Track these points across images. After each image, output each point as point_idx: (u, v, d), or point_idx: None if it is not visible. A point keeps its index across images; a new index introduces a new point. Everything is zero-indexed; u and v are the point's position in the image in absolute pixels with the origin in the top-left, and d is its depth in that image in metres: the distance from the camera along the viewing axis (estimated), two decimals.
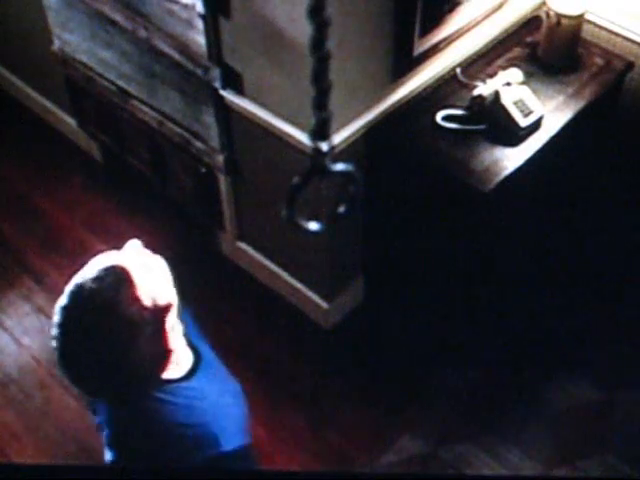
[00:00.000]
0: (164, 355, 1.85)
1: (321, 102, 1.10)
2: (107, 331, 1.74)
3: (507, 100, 3.00)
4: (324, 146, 1.13)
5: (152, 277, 1.80)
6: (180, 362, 1.93)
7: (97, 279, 1.74)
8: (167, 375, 1.90)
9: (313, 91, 1.09)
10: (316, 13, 1.03)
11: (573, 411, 3.41)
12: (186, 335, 1.97)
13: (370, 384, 3.49)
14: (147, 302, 1.76)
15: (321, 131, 1.12)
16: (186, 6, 3.04)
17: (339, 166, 1.16)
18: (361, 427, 3.37)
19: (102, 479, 1.76)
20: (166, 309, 1.80)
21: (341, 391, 3.45)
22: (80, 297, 1.74)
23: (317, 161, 1.14)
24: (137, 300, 1.74)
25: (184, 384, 1.93)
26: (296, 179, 1.16)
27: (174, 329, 1.85)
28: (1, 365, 3.63)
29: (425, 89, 3.22)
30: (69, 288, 1.76)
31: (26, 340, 3.69)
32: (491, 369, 3.49)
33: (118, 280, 1.74)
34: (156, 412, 1.87)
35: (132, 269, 1.77)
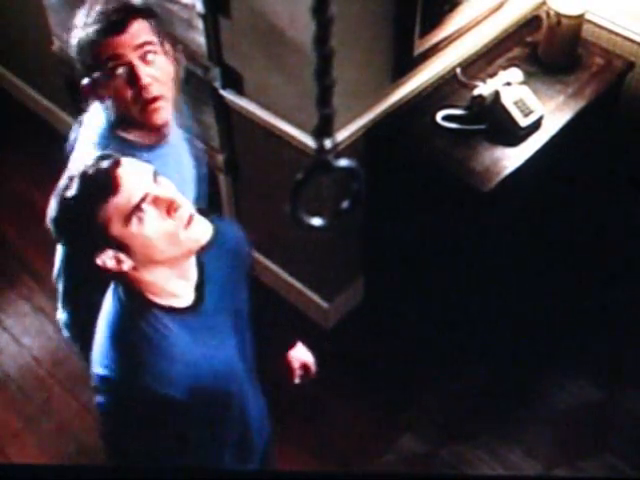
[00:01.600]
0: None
1: (324, 99, 1.10)
2: None
3: (507, 100, 3.01)
4: (327, 143, 1.13)
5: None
6: (174, 292, 1.84)
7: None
8: (157, 299, 1.82)
9: (316, 88, 1.09)
10: (320, 10, 1.02)
11: (573, 411, 3.41)
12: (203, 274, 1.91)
13: (370, 384, 3.49)
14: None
15: (324, 128, 1.12)
16: (186, 6, 3.04)
17: (342, 162, 1.17)
18: (361, 427, 3.37)
19: (102, 479, 1.76)
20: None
21: (341, 391, 3.45)
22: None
23: (320, 157, 1.14)
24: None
25: (163, 316, 1.83)
26: (299, 175, 1.16)
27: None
28: (1, 365, 3.63)
29: (425, 89, 3.22)
30: None
31: (26, 340, 3.68)
32: (491, 369, 3.49)
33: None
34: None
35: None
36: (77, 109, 4.10)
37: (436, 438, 3.32)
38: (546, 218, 3.46)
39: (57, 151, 4.45)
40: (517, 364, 3.50)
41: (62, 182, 1.79)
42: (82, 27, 2.06)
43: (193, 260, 1.87)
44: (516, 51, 3.38)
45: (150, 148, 2.19)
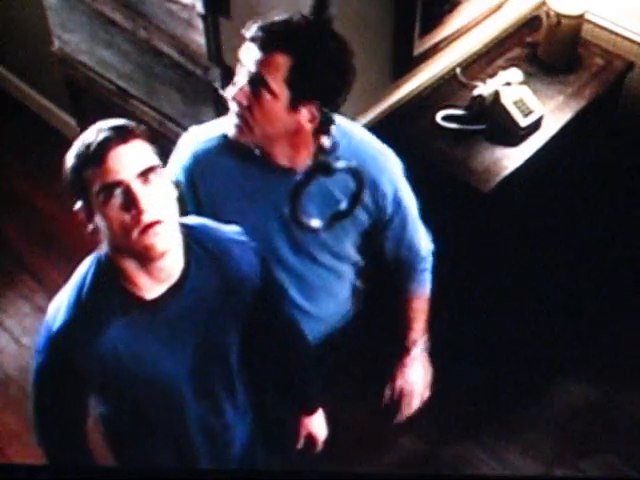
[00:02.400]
0: None
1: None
2: None
3: (507, 100, 3.01)
4: (327, 143, 1.13)
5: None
6: (139, 285, 1.89)
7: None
8: (124, 282, 1.89)
9: None
10: (319, 12, 1.03)
11: (573, 411, 3.41)
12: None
13: (370, 384, 3.48)
14: None
15: (324, 129, 1.12)
16: (186, 6, 3.03)
17: (341, 163, 1.17)
18: (361, 427, 3.36)
19: (102, 479, 1.77)
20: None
21: (341, 391, 3.45)
22: None
23: (320, 158, 1.14)
24: None
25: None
26: (299, 176, 1.16)
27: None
28: (1, 365, 3.63)
29: (425, 89, 3.22)
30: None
31: (26, 340, 3.68)
32: (491, 369, 3.49)
33: None
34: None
35: None
36: (77, 109, 4.11)
37: (436, 438, 3.32)
38: (546, 218, 3.46)
39: (57, 151, 4.46)
40: (517, 364, 3.50)
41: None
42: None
43: (168, 265, 1.89)
44: (516, 51, 3.38)
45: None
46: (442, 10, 3.08)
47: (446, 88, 3.24)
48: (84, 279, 1.93)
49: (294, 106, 2.04)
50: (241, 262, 2.04)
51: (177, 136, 3.49)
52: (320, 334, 2.49)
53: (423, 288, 2.53)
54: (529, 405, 3.43)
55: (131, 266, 1.87)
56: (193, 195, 2.25)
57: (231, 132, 2.12)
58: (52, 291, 3.97)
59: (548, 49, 3.29)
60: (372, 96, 3.08)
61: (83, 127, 4.44)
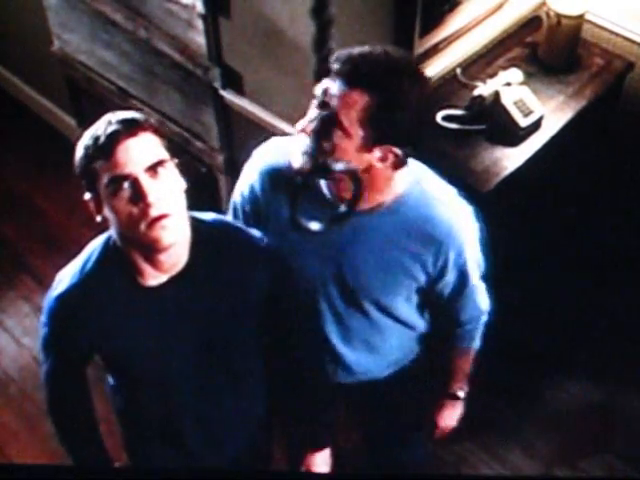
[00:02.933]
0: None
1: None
2: None
3: (507, 100, 3.00)
4: (327, 145, 1.12)
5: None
6: (144, 272, 1.93)
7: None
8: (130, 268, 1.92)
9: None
10: (320, 11, 1.02)
11: (573, 411, 3.41)
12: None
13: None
14: None
15: (323, 128, 1.11)
16: (186, 6, 3.04)
17: (340, 165, 1.16)
18: (361, 427, 3.36)
19: (102, 479, 1.77)
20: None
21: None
22: None
23: (319, 160, 1.14)
24: None
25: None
26: (299, 178, 1.16)
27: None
28: (1, 365, 3.63)
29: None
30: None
31: (26, 340, 3.69)
32: (491, 369, 3.49)
33: None
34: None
35: None
36: (77, 109, 4.11)
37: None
38: (546, 218, 3.45)
39: (57, 151, 4.47)
40: (517, 364, 3.50)
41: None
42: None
43: (172, 257, 1.91)
44: (516, 51, 3.37)
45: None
46: (442, 10, 3.07)
47: (446, 88, 3.24)
48: (90, 256, 1.98)
49: (367, 147, 1.93)
50: (249, 266, 2.04)
51: (177, 136, 3.51)
52: (354, 382, 2.45)
53: (474, 342, 2.45)
54: (529, 405, 3.43)
55: (136, 255, 1.90)
56: (254, 209, 2.21)
57: (296, 163, 1.96)
58: None
59: (548, 49, 3.28)
60: None
61: (83, 127, 4.45)
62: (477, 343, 2.46)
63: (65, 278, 1.98)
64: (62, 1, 3.63)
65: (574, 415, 3.40)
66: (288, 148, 2.08)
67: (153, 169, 1.81)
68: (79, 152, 1.87)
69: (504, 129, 3.02)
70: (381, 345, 2.35)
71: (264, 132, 3.17)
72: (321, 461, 2.42)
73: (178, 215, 1.85)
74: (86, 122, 4.32)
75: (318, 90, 1.94)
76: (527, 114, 3.01)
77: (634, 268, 3.76)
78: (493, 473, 3.19)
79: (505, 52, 3.37)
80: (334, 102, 1.88)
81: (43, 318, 2.04)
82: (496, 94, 3.02)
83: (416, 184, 2.09)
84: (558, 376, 3.50)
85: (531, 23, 3.47)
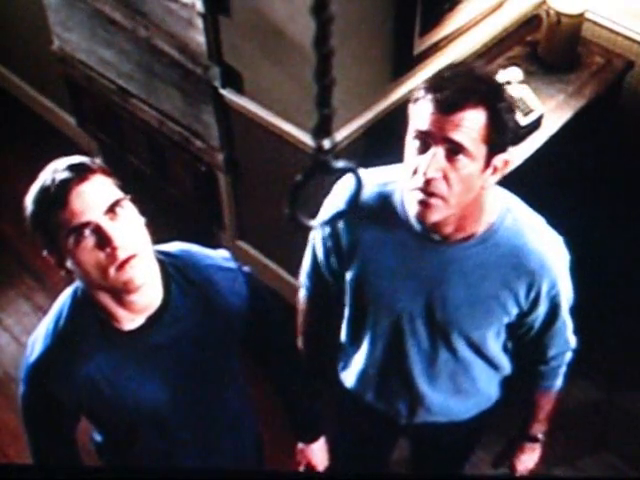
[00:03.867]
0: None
1: (324, 99, 1.09)
2: None
3: None
4: (326, 143, 1.12)
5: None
6: (116, 317, 1.86)
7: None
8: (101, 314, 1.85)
9: (316, 88, 1.09)
10: (320, 9, 1.02)
11: (573, 410, 3.40)
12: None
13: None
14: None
15: (323, 128, 1.11)
16: (186, 5, 3.03)
17: (341, 163, 1.16)
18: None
19: (101, 479, 1.76)
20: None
21: None
22: None
23: (319, 158, 1.13)
24: None
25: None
26: (298, 176, 1.15)
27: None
28: (1, 364, 3.63)
29: None
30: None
31: (26, 339, 3.65)
32: None
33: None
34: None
35: None
36: (77, 108, 4.11)
37: None
38: (545, 217, 3.45)
39: (57, 150, 4.46)
40: (517, 364, 3.49)
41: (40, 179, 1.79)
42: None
43: (145, 296, 1.84)
44: (516, 50, 3.37)
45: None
46: (442, 9, 3.07)
47: None
48: (61, 311, 1.90)
49: (487, 164, 1.86)
50: (227, 291, 1.99)
51: (177, 135, 3.50)
52: (428, 422, 2.37)
53: (557, 381, 2.36)
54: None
55: (108, 300, 1.82)
56: (334, 244, 2.11)
57: (416, 210, 1.87)
58: (52, 291, 3.98)
59: (548, 48, 3.28)
60: (372, 95, 3.07)
61: (83, 126, 4.47)
62: (560, 382, 2.37)
63: (38, 341, 1.91)
64: (62, 0, 3.63)
65: (574, 415, 3.40)
66: (370, 182, 2.00)
67: (112, 211, 1.73)
68: (29, 207, 1.79)
69: None
70: (466, 386, 2.26)
71: (264, 131, 3.17)
72: (317, 452, 2.43)
73: (145, 253, 1.78)
74: (86, 121, 4.34)
75: (423, 124, 1.83)
76: (527, 113, 3.01)
77: (634, 267, 3.75)
78: (493, 473, 3.19)
79: (505, 51, 3.37)
80: (447, 131, 1.78)
81: (23, 388, 1.95)
82: None
83: (507, 212, 2.02)
84: None
85: (531, 22, 3.47)
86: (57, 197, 1.71)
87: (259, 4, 2.84)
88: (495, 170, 1.90)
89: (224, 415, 2.14)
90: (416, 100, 1.87)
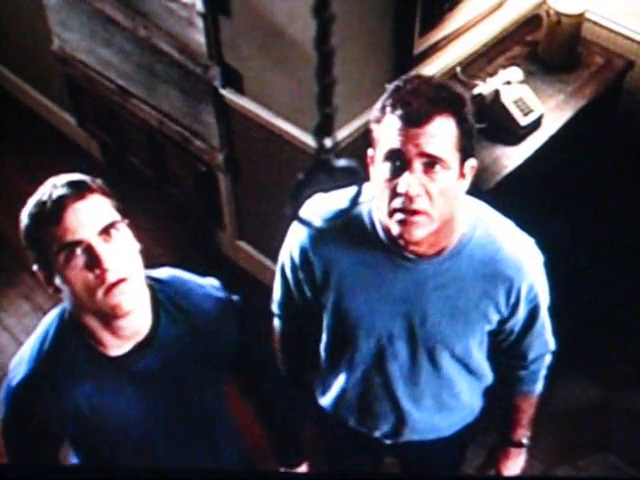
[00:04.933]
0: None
1: (325, 98, 1.09)
2: None
3: (507, 99, 3.00)
4: (327, 142, 1.12)
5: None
6: (103, 342, 1.83)
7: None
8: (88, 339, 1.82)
9: (317, 87, 1.09)
10: (321, 9, 1.02)
11: (573, 410, 3.40)
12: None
13: None
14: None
15: (325, 127, 1.11)
16: (186, 5, 3.04)
17: (342, 162, 1.16)
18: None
19: (101, 479, 1.76)
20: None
21: None
22: None
23: (320, 157, 1.13)
24: None
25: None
26: (299, 176, 1.15)
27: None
28: (1, 364, 3.63)
29: None
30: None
31: (26, 339, 3.67)
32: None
33: None
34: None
35: None
36: (77, 108, 4.11)
37: None
38: (546, 217, 3.45)
39: (57, 151, 4.47)
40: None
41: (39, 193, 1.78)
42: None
43: (134, 323, 1.82)
44: (516, 50, 3.37)
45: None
46: (442, 9, 3.07)
47: None
48: (46, 333, 1.87)
49: (461, 171, 1.85)
50: (216, 320, 1.97)
51: (177, 135, 3.50)
52: (414, 441, 2.35)
53: (537, 386, 2.35)
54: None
55: (95, 324, 1.80)
56: (307, 274, 2.08)
57: (398, 231, 1.85)
58: None
59: (548, 48, 3.28)
60: (372, 95, 3.06)
61: (83, 126, 4.47)
62: (540, 386, 2.36)
63: (22, 363, 1.87)
64: (62, 1, 3.63)
65: (574, 415, 3.40)
66: (334, 204, 1.96)
67: (106, 232, 1.70)
68: (24, 221, 1.77)
69: (504, 128, 3.02)
70: (450, 402, 2.24)
71: (264, 131, 3.17)
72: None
73: (136, 278, 1.74)
74: (86, 121, 4.34)
75: (385, 145, 1.81)
76: (527, 113, 3.01)
77: (634, 267, 3.75)
78: (493, 473, 3.19)
79: (505, 51, 3.37)
80: (421, 145, 1.77)
81: (4, 411, 1.90)
82: (496, 93, 3.02)
83: (477, 220, 2.00)
84: (558, 376, 3.49)
85: (531, 22, 3.47)
86: (52, 212, 1.69)
87: (259, 4, 2.84)
88: (464, 177, 1.89)
89: (208, 443, 2.11)
90: (379, 120, 1.84)
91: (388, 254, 1.97)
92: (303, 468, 2.40)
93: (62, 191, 1.71)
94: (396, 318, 2.03)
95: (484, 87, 3.06)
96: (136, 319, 1.81)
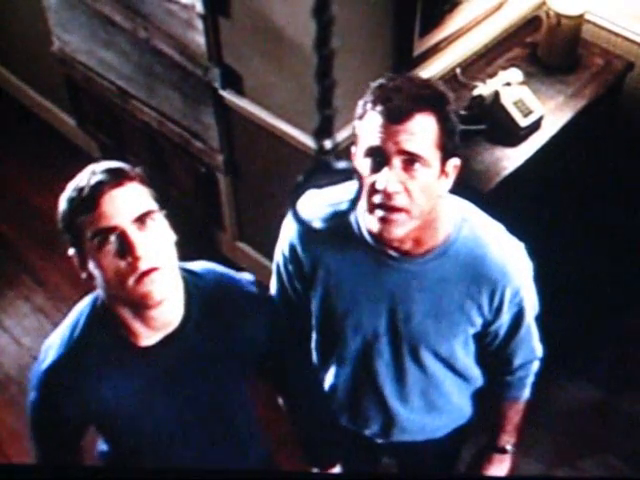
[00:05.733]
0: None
1: (325, 99, 1.09)
2: None
3: (507, 100, 3.00)
4: (328, 144, 1.12)
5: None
6: (134, 331, 1.84)
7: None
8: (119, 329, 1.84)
9: (317, 89, 1.09)
10: (321, 10, 1.02)
11: (573, 411, 3.40)
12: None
13: None
14: None
15: (325, 129, 1.11)
16: (186, 6, 3.04)
17: (342, 164, 1.16)
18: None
19: (101, 479, 1.76)
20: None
21: None
22: None
23: (321, 159, 1.13)
24: None
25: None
26: (300, 177, 1.15)
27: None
28: (1, 365, 3.63)
29: None
30: None
31: (26, 340, 3.69)
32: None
33: None
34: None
35: None
36: (77, 109, 4.12)
37: None
38: (546, 218, 3.46)
39: (57, 151, 4.47)
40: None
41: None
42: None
43: (165, 313, 1.82)
44: (516, 51, 3.38)
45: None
46: (442, 10, 3.07)
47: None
48: (77, 320, 1.88)
49: (442, 169, 1.85)
50: (247, 315, 1.97)
51: (177, 136, 3.51)
52: (405, 441, 2.35)
53: (525, 391, 2.33)
54: (529, 405, 3.42)
55: (126, 313, 1.81)
56: (297, 269, 2.09)
57: (378, 228, 1.86)
58: (52, 291, 3.98)
59: (548, 49, 3.28)
60: None
61: (83, 127, 4.47)
62: (528, 393, 2.34)
63: (53, 348, 1.88)
64: (62, 1, 3.63)
65: (574, 415, 3.40)
66: (325, 201, 1.96)
67: (141, 220, 1.72)
68: (62, 205, 1.78)
69: (504, 129, 3.02)
70: (439, 402, 2.24)
71: (264, 132, 3.17)
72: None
73: (168, 269, 1.75)
74: (86, 122, 4.34)
75: (366, 141, 1.82)
76: (527, 114, 3.01)
77: (634, 267, 3.76)
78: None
79: (505, 52, 3.37)
80: (401, 142, 1.78)
81: (33, 395, 1.91)
82: (496, 94, 3.02)
83: (463, 222, 1.99)
84: (558, 376, 3.50)
85: (531, 23, 3.47)
86: (88, 198, 1.71)
87: (259, 5, 2.84)
88: (447, 176, 1.89)
89: (231, 439, 2.11)
90: (362, 116, 1.85)
91: (373, 252, 1.98)
92: (337, 469, 2.37)
93: (100, 177, 1.72)
94: (381, 316, 2.04)
95: (484, 88, 3.07)
96: (167, 310, 1.81)
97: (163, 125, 3.56)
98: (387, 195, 1.80)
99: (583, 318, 3.64)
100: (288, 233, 2.09)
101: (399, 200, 1.81)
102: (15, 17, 4.29)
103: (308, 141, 2.95)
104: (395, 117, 1.77)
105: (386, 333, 2.06)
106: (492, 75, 3.17)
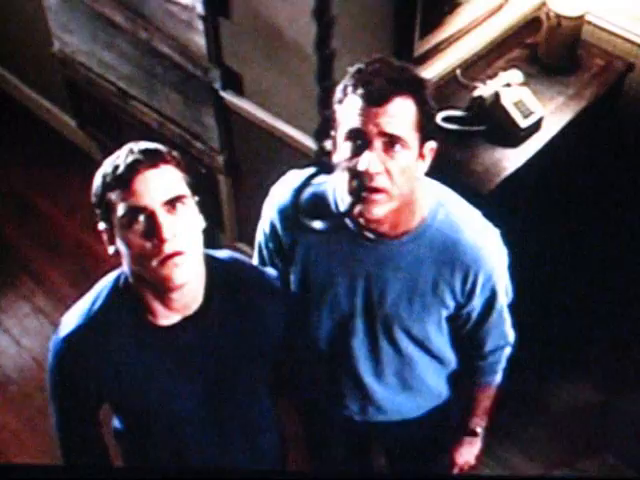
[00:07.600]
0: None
1: (325, 100, 1.10)
2: None
3: (507, 101, 3.01)
4: (328, 144, 1.13)
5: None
6: (156, 312, 1.87)
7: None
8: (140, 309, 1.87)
9: (317, 89, 1.10)
10: (321, 12, 1.03)
11: (573, 411, 3.41)
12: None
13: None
14: None
15: (325, 129, 1.12)
16: (186, 7, 3.04)
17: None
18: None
19: (102, 479, 1.77)
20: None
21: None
22: None
23: (321, 159, 1.14)
24: None
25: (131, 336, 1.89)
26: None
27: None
28: (1, 366, 3.63)
29: None
30: None
31: (26, 341, 3.69)
32: None
33: None
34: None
35: None
36: (77, 110, 4.12)
37: None
38: (546, 219, 3.46)
39: (57, 151, 4.48)
40: (516, 365, 3.49)
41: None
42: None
43: (185, 297, 1.85)
44: (516, 52, 3.38)
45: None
46: (442, 11, 3.08)
47: (446, 89, 3.24)
48: (99, 294, 1.92)
49: (420, 151, 1.92)
50: (265, 308, 2.00)
51: (177, 137, 3.51)
52: (383, 421, 2.39)
53: (496, 377, 2.40)
54: (529, 406, 3.43)
55: (147, 292, 1.84)
56: (276, 246, 2.15)
57: (359, 209, 1.91)
58: (52, 292, 3.97)
59: (548, 50, 3.28)
60: None
61: (83, 128, 4.47)
62: (499, 378, 2.40)
63: (72, 318, 1.91)
64: (62, 2, 3.63)
65: (574, 416, 3.40)
66: (305, 182, 2.01)
67: (171, 204, 1.75)
68: (97, 180, 1.81)
69: (504, 130, 3.02)
70: (413, 382, 2.29)
71: (264, 133, 3.17)
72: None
73: (193, 254, 1.79)
74: (86, 123, 4.34)
75: (346, 124, 1.86)
76: (527, 115, 3.01)
77: (633, 268, 3.76)
78: (493, 473, 3.19)
79: (505, 53, 3.37)
80: (381, 124, 1.83)
81: (50, 362, 1.95)
82: (496, 95, 3.02)
83: (439, 206, 2.04)
84: (558, 376, 3.50)
85: (531, 24, 3.48)
86: (123, 176, 1.74)
87: (260, 6, 2.84)
88: (424, 158, 1.95)
89: (241, 426, 2.13)
90: (341, 100, 1.90)
91: (351, 233, 2.02)
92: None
93: (136, 157, 1.75)
94: (356, 295, 2.09)
95: (484, 89, 3.07)
96: (188, 294, 1.85)
97: (163, 126, 3.56)
98: (369, 176, 1.84)
99: (583, 318, 3.64)
100: (269, 212, 2.15)
101: (380, 181, 1.86)
102: (15, 18, 4.29)
103: (308, 142, 2.94)
104: (375, 100, 1.82)
105: (361, 312, 2.12)
106: (492, 76, 3.17)
